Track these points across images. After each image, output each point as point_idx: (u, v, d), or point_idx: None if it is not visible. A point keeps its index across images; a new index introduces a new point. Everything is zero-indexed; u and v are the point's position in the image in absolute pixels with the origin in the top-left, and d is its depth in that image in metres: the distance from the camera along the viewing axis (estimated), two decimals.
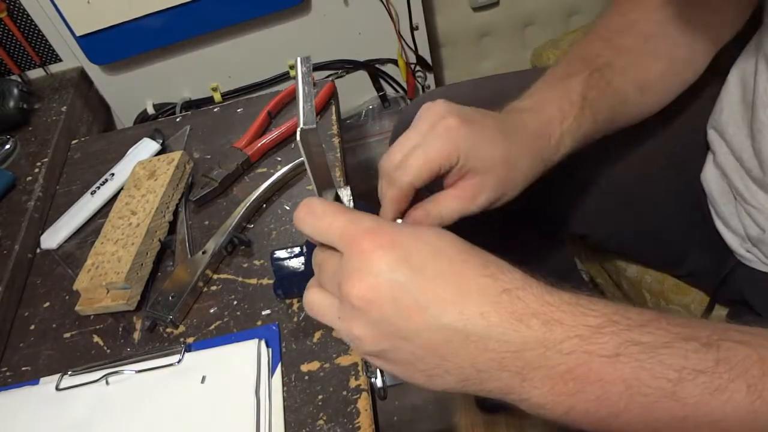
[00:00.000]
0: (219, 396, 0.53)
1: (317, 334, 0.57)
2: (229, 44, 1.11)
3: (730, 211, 0.59)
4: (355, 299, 0.33)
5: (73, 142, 0.89)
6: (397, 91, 1.25)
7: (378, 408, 0.54)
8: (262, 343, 0.56)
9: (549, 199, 0.66)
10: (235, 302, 0.62)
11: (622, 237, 0.72)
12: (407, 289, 0.32)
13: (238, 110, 0.85)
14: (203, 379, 0.54)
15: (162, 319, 0.60)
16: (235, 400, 0.52)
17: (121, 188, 0.74)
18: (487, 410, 1.10)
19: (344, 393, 0.52)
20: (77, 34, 1.00)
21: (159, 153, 0.79)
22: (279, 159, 0.76)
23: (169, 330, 0.61)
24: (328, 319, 0.36)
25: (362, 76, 1.22)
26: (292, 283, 0.59)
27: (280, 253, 0.59)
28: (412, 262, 0.33)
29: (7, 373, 0.62)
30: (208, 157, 0.79)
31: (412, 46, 1.19)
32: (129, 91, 1.14)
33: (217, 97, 1.17)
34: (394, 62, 1.20)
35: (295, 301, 0.60)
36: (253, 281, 0.63)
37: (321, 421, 0.51)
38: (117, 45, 1.04)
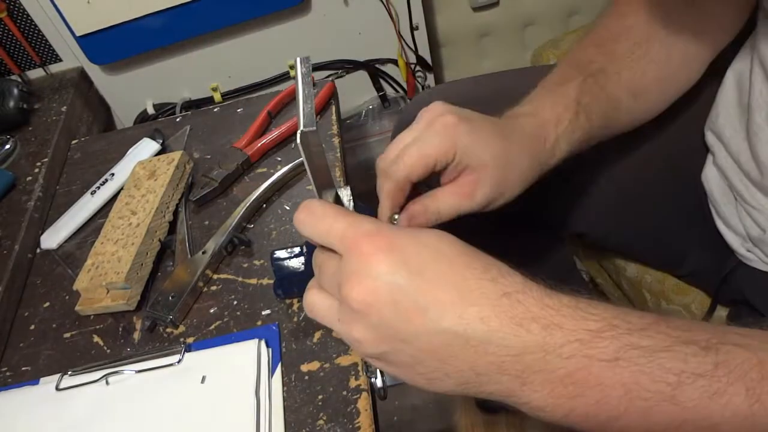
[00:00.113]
0: (219, 396, 0.53)
1: (317, 334, 0.57)
2: (229, 44, 1.11)
3: (730, 211, 0.59)
4: (355, 302, 0.33)
5: (73, 142, 0.89)
6: (397, 91, 1.25)
7: (378, 408, 0.54)
8: (262, 343, 0.56)
9: (548, 199, 0.66)
10: (235, 302, 0.62)
11: (621, 236, 0.72)
12: (407, 291, 0.32)
13: (238, 110, 0.85)
14: (203, 379, 0.54)
15: (162, 319, 0.60)
16: (235, 400, 0.52)
17: (121, 188, 0.74)
18: (487, 410, 1.10)
19: (344, 393, 0.52)
20: (77, 34, 1.00)
21: (159, 153, 0.79)
22: (279, 159, 0.76)
23: (169, 330, 0.61)
24: (328, 321, 0.36)
25: (362, 76, 1.22)
26: (292, 283, 0.59)
27: (280, 253, 0.59)
28: (412, 265, 0.33)
29: (7, 373, 0.62)
30: (208, 157, 0.79)
31: (412, 46, 1.19)
32: (129, 91, 1.14)
33: (217, 97, 1.17)
34: (394, 62, 1.20)
35: (295, 301, 0.60)
36: (253, 281, 0.63)
37: (321, 421, 0.51)
38: (117, 45, 1.04)
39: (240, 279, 0.64)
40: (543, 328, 0.32)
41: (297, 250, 0.59)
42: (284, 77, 1.17)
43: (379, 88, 1.23)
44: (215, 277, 0.64)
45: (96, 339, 0.62)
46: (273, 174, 0.71)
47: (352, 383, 0.53)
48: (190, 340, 0.59)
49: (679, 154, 0.64)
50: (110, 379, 0.56)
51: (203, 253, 0.64)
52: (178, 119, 0.86)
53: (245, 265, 0.65)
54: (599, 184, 0.65)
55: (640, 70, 0.54)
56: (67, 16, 0.98)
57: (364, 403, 0.51)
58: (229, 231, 0.66)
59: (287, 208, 0.70)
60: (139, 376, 0.56)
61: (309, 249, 0.59)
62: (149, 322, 0.61)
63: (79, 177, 0.82)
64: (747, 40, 0.56)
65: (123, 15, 1.00)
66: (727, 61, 0.58)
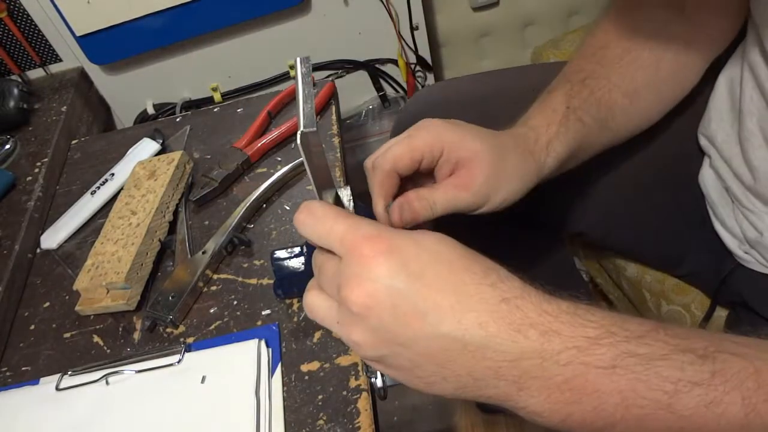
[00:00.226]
0: (219, 396, 0.53)
1: (317, 334, 0.57)
2: (229, 44, 1.11)
3: (727, 213, 0.59)
4: (354, 305, 0.33)
5: (73, 142, 0.89)
6: (397, 91, 1.25)
7: (378, 408, 0.54)
8: (262, 343, 0.56)
9: (548, 199, 0.66)
10: (235, 302, 0.62)
11: (620, 236, 0.72)
12: (406, 295, 0.32)
13: (238, 110, 0.85)
14: (203, 379, 0.54)
15: (162, 319, 0.60)
16: (235, 400, 0.52)
17: (121, 188, 0.74)
18: (487, 411, 1.10)
19: (344, 393, 0.52)
20: (77, 34, 1.00)
21: (159, 153, 0.79)
22: (279, 159, 0.76)
23: (169, 330, 0.61)
24: (327, 322, 0.36)
25: (362, 76, 1.22)
26: (292, 283, 0.59)
27: (280, 253, 0.59)
28: (411, 268, 0.33)
29: (7, 373, 0.62)
30: (208, 157, 0.79)
31: (412, 46, 1.19)
32: (129, 91, 1.14)
33: (217, 97, 1.17)
34: (394, 62, 1.20)
35: (295, 301, 0.60)
36: (253, 281, 0.63)
37: (321, 421, 0.51)
38: (117, 45, 1.04)
39: (240, 279, 0.64)
40: (541, 335, 0.32)
41: (297, 250, 0.59)
42: (284, 77, 1.17)
43: (379, 88, 1.23)
44: (215, 277, 0.64)
45: (96, 339, 0.62)
46: (273, 174, 0.71)
47: (352, 383, 0.53)
48: (190, 340, 0.59)
49: (677, 155, 0.64)
50: (110, 379, 0.56)
51: (203, 253, 0.64)
52: (178, 119, 0.86)
53: (245, 265, 0.65)
54: (599, 184, 0.65)
55: (630, 75, 0.55)
56: (67, 16, 0.98)
57: (364, 403, 0.51)
58: (229, 231, 0.66)
59: (287, 208, 0.70)
60: (139, 376, 0.56)
61: (309, 249, 0.59)
62: (149, 322, 0.61)
63: (79, 177, 0.82)
64: (737, 48, 0.56)
65: (123, 15, 1.00)
66: (721, 67, 0.58)
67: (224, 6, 1.03)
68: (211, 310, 0.61)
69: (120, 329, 0.62)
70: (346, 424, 0.50)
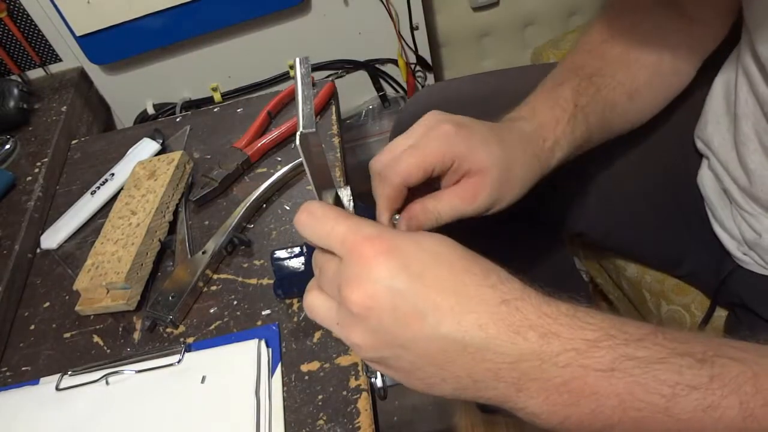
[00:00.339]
0: (219, 396, 0.53)
1: (317, 334, 0.57)
2: (229, 44, 1.11)
3: (726, 215, 0.59)
4: (354, 306, 0.33)
5: (73, 142, 0.89)
6: (397, 91, 1.25)
7: (378, 408, 0.54)
8: (262, 343, 0.56)
9: (548, 199, 0.66)
10: (235, 302, 0.62)
11: (620, 236, 0.72)
12: (406, 296, 0.32)
13: (238, 110, 0.85)
14: (203, 379, 0.54)
15: (162, 319, 0.60)
16: (235, 400, 0.52)
17: (121, 188, 0.74)
18: (487, 411, 1.10)
19: (344, 393, 0.52)
20: (77, 34, 1.00)
21: (159, 153, 0.79)
22: (279, 159, 0.76)
23: (169, 330, 0.61)
24: (327, 323, 0.36)
25: (362, 76, 1.22)
26: (292, 283, 0.59)
27: (280, 253, 0.59)
28: (412, 270, 0.33)
29: (7, 373, 0.62)
30: (208, 157, 0.79)
31: (412, 46, 1.19)
32: (129, 91, 1.14)
33: (217, 97, 1.17)
34: (394, 62, 1.20)
35: (295, 301, 0.60)
36: (253, 281, 0.63)
37: (321, 421, 0.51)
38: (117, 45, 1.04)
39: (240, 279, 0.64)
40: (540, 337, 0.32)
41: (297, 250, 0.59)
42: (284, 77, 1.17)
43: (379, 88, 1.23)
44: (215, 277, 0.64)
45: (96, 339, 0.62)
46: (273, 174, 0.71)
47: (352, 383, 0.53)
48: (190, 340, 0.59)
49: (677, 156, 0.64)
50: (110, 379, 0.56)
51: (203, 253, 0.64)
52: (178, 119, 0.86)
53: (245, 265, 0.65)
54: (599, 184, 0.65)
55: (632, 74, 0.55)
56: (67, 16, 0.98)
57: (364, 403, 0.51)
58: (229, 231, 0.66)
59: (287, 208, 0.70)
60: (139, 376, 0.56)
61: (309, 249, 0.59)
62: (149, 322, 0.61)
63: (79, 177, 0.82)
64: (733, 51, 0.57)
65: (123, 15, 1.00)
66: (717, 70, 0.58)
67: (224, 6, 1.03)
68: (211, 310, 0.61)
69: (120, 329, 0.62)
70: (346, 424, 0.50)
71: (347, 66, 1.19)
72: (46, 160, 0.84)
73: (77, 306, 0.63)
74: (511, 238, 0.70)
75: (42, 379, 0.59)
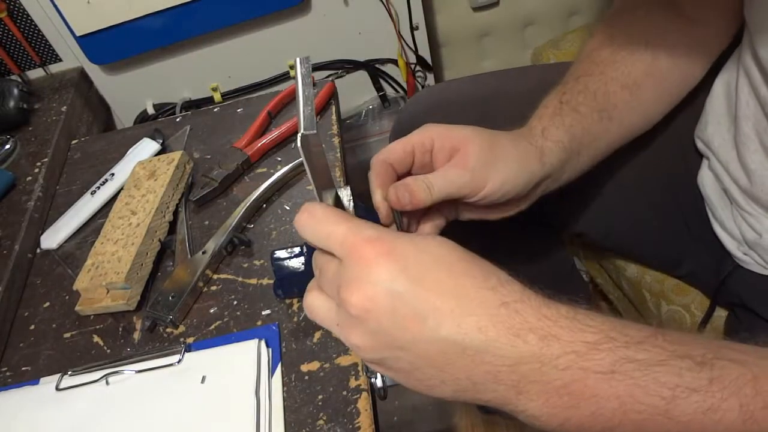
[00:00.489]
0: (219, 396, 0.53)
1: (317, 334, 0.57)
2: (229, 44, 1.11)
3: (726, 215, 0.59)
4: (353, 308, 0.33)
5: (73, 142, 0.89)
6: (397, 91, 1.25)
7: (378, 408, 0.54)
8: (262, 343, 0.56)
9: (547, 199, 0.66)
10: (235, 302, 0.62)
11: (620, 236, 0.72)
12: (405, 299, 0.32)
13: (238, 110, 0.85)
14: (203, 379, 0.54)
15: (162, 319, 0.60)
16: (235, 400, 0.52)
17: (121, 188, 0.74)
18: (487, 411, 1.10)
19: (344, 393, 0.52)
20: (77, 34, 1.00)
21: (159, 153, 0.79)
22: (279, 159, 0.76)
23: (169, 330, 0.61)
24: (327, 324, 0.36)
25: (362, 76, 1.22)
26: (292, 283, 0.59)
27: (280, 253, 0.59)
28: (411, 272, 0.33)
29: (7, 373, 0.62)
30: (208, 157, 0.79)
31: (412, 46, 1.19)
32: (129, 91, 1.14)
33: (217, 97, 1.17)
34: (394, 62, 1.20)
35: (295, 301, 0.60)
36: (253, 281, 0.63)
37: (321, 421, 0.51)
38: (117, 45, 1.04)
39: (240, 279, 0.64)
40: (540, 339, 0.32)
41: (297, 250, 0.59)
42: (284, 77, 1.17)
43: (379, 88, 1.23)
44: (215, 277, 0.64)
45: (96, 339, 0.62)
46: (273, 174, 0.71)
47: (352, 383, 0.53)
48: (190, 340, 0.59)
49: (677, 156, 0.64)
50: (110, 379, 0.56)
51: (203, 253, 0.64)
52: (178, 119, 0.86)
53: (245, 265, 0.65)
54: (599, 184, 0.65)
55: (626, 68, 0.55)
56: (67, 16, 0.98)
57: (364, 403, 0.51)
58: (229, 231, 0.66)
59: (287, 208, 0.70)
60: (139, 376, 0.56)
61: (309, 249, 0.59)
62: (149, 322, 0.61)
63: (79, 177, 0.82)
64: (734, 52, 0.57)
65: (123, 15, 1.00)
66: (718, 71, 0.58)
67: (224, 6, 1.03)
68: (211, 310, 0.61)
69: (120, 329, 0.62)
70: (346, 424, 0.50)
71: (347, 66, 1.19)
72: (46, 160, 0.84)
73: (77, 306, 0.63)
74: (511, 238, 0.70)
75: (42, 379, 0.59)
